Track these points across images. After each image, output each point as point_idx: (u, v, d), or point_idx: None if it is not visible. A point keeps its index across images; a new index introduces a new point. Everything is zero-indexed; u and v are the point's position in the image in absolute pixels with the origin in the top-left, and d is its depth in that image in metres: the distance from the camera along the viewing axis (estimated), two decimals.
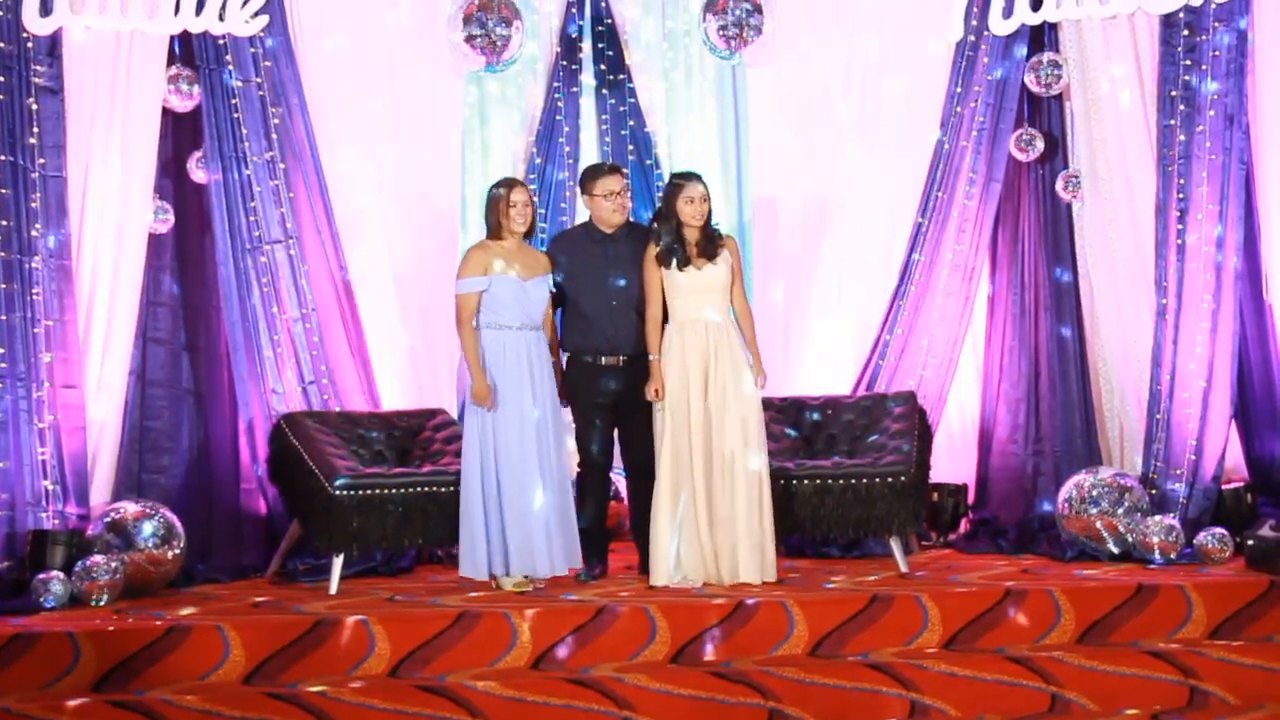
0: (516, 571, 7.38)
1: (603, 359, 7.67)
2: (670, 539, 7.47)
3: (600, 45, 8.90)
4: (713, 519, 7.44)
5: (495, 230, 7.55)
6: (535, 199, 8.55)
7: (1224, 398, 8.35)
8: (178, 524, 7.81)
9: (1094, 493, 8.16)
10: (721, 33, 8.84)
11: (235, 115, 8.31)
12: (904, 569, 7.73)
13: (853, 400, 8.42)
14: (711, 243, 7.55)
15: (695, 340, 7.52)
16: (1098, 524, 8.13)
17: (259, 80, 8.33)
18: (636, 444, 7.68)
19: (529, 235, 7.65)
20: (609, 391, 7.69)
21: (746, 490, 7.41)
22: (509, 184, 7.62)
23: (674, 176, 7.76)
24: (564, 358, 7.81)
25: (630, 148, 8.86)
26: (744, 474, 7.41)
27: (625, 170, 8.01)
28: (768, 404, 8.04)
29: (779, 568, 7.57)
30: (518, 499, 7.34)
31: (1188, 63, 8.41)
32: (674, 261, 7.52)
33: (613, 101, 8.89)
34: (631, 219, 7.89)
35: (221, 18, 8.23)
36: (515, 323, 7.44)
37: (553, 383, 7.56)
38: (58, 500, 7.80)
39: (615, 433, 7.81)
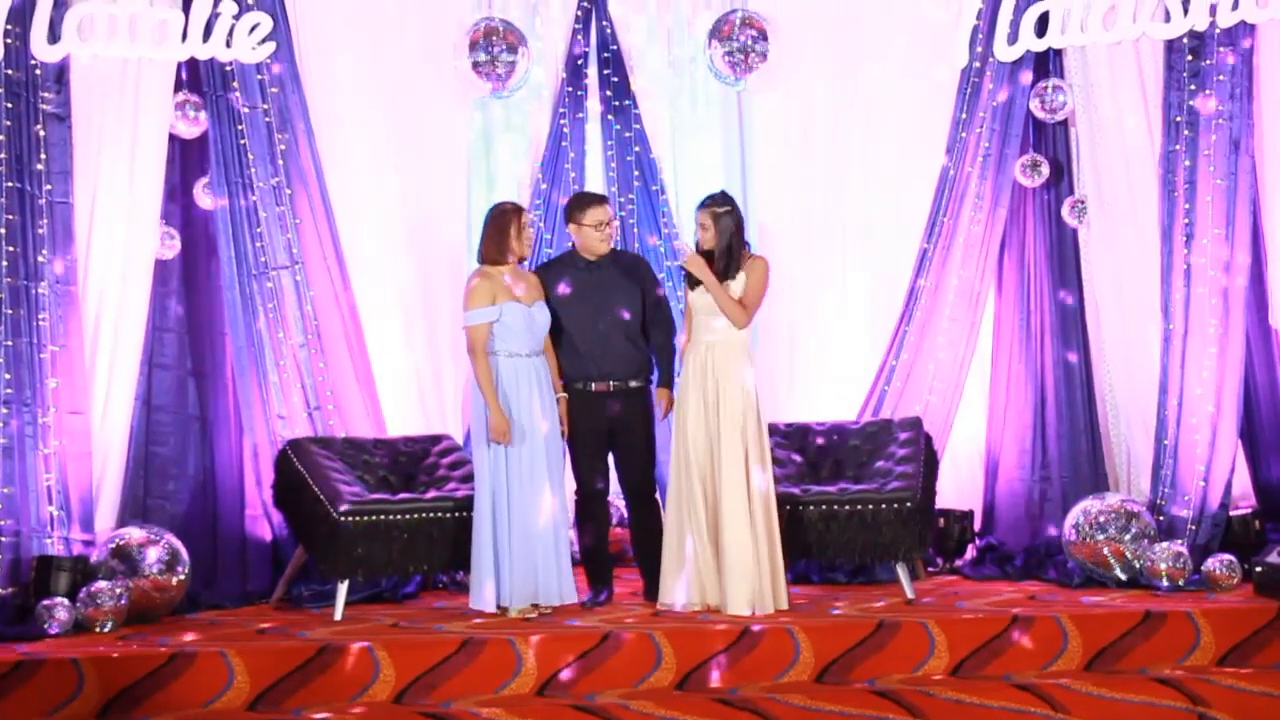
0: (525, 601, 7.37)
1: (593, 385, 7.67)
2: (675, 560, 7.47)
3: (606, 71, 8.91)
4: (719, 544, 7.42)
5: (497, 253, 7.52)
6: (543, 224, 8.71)
7: (1232, 423, 8.30)
8: (183, 550, 7.80)
9: (1101, 519, 8.14)
10: (727, 59, 8.88)
11: (242, 141, 8.31)
12: (910, 595, 7.72)
13: (859, 426, 8.38)
14: (728, 266, 7.51)
15: (696, 361, 7.52)
16: (1105, 550, 8.11)
17: (265, 106, 8.34)
18: (632, 469, 7.71)
19: (522, 260, 7.65)
20: (603, 418, 7.68)
21: (737, 517, 7.36)
22: (516, 206, 7.63)
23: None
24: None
25: (636, 173, 8.89)
26: (737, 502, 7.37)
27: (608, 197, 8.12)
28: (773, 430, 8.04)
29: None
30: (529, 530, 7.34)
31: (1192, 87, 8.39)
32: (692, 281, 7.57)
33: (618, 127, 8.92)
34: (616, 247, 7.91)
35: (228, 44, 8.24)
36: (526, 349, 7.47)
37: (555, 403, 7.56)
38: (63, 526, 7.78)
39: (610, 459, 7.80)
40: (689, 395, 7.48)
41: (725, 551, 7.35)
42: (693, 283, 7.56)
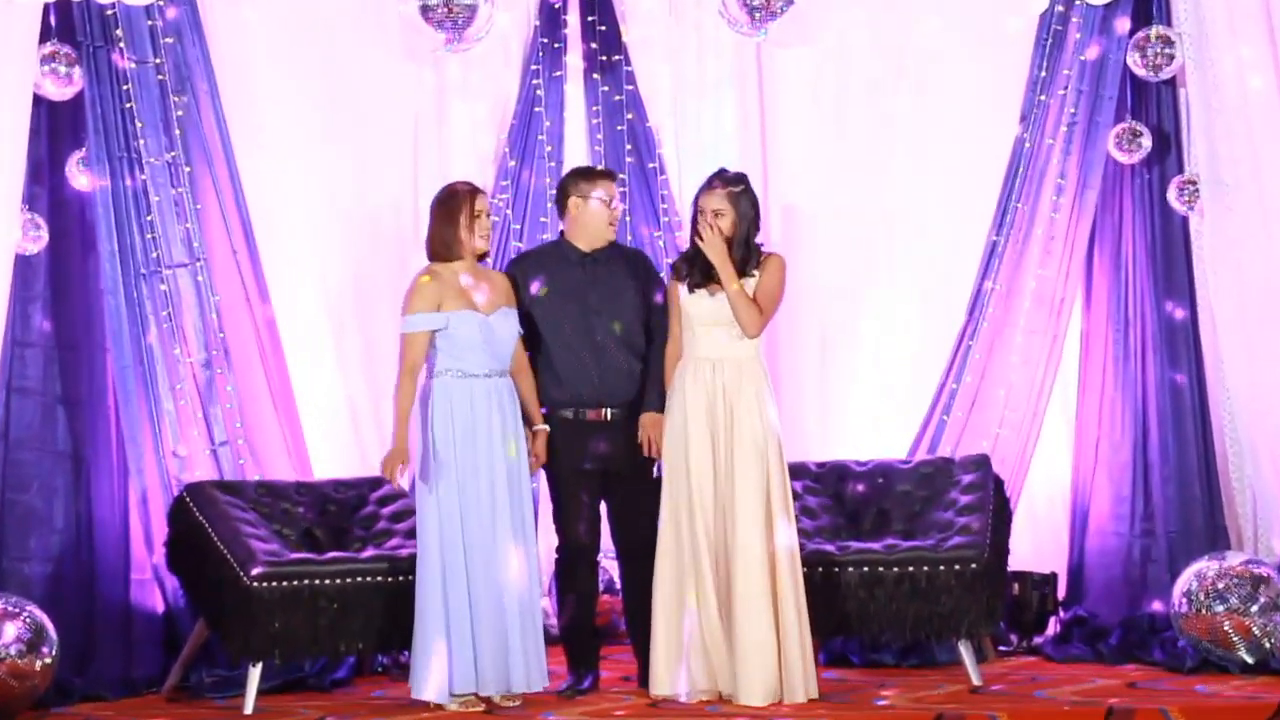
0: (490, 688, 7.26)
1: (586, 413, 7.59)
2: (673, 640, 7.38)
3: (590, 18, 8.89)
4: (729, 615, 7.34)
5: (444, 248, 7.43)
6: (510, 210, 8.73)
7: None
8: (49, 625, 7.62)
9: (1220, 585, 8.06)
10: (743, 3, 8.63)
11: (127, 105, 8.28)
12: (976, 681, 7.67)
13: (910, 466, 8.35)
14: (746, 261, 7.46)
15: (699, 384, 7.41)
16: (1225, 625, 8.02)
17: (158, 61, 8.31)
18: (631, 521, 7.61)
19: (483, 256, 7.56)
20: (596, 455, 7.59)
21: (753, 583, 7.28)
22: (470, 188, 7.52)
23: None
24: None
25: (628, 147, 8.88)
26: (753, 562, 7.28)
27: (620, 177, 8.21)
28: (801, 470, 8.10)
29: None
30: (491, 594, 7.28)
31: None
32: (686, 279, 7.53)
33: (606, 89, 8.88)
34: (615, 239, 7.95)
35: None
36: (483, 369, 7.37)
37: (522, 434, 7.47)
38: None
39: (604, 508, 7.71)
40: (690, 427, 7.40)
41: (739, 626, 7.29)
42: (692, 283, 7.48)
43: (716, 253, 7.41)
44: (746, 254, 7.45)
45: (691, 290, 7.46)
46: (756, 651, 7.24)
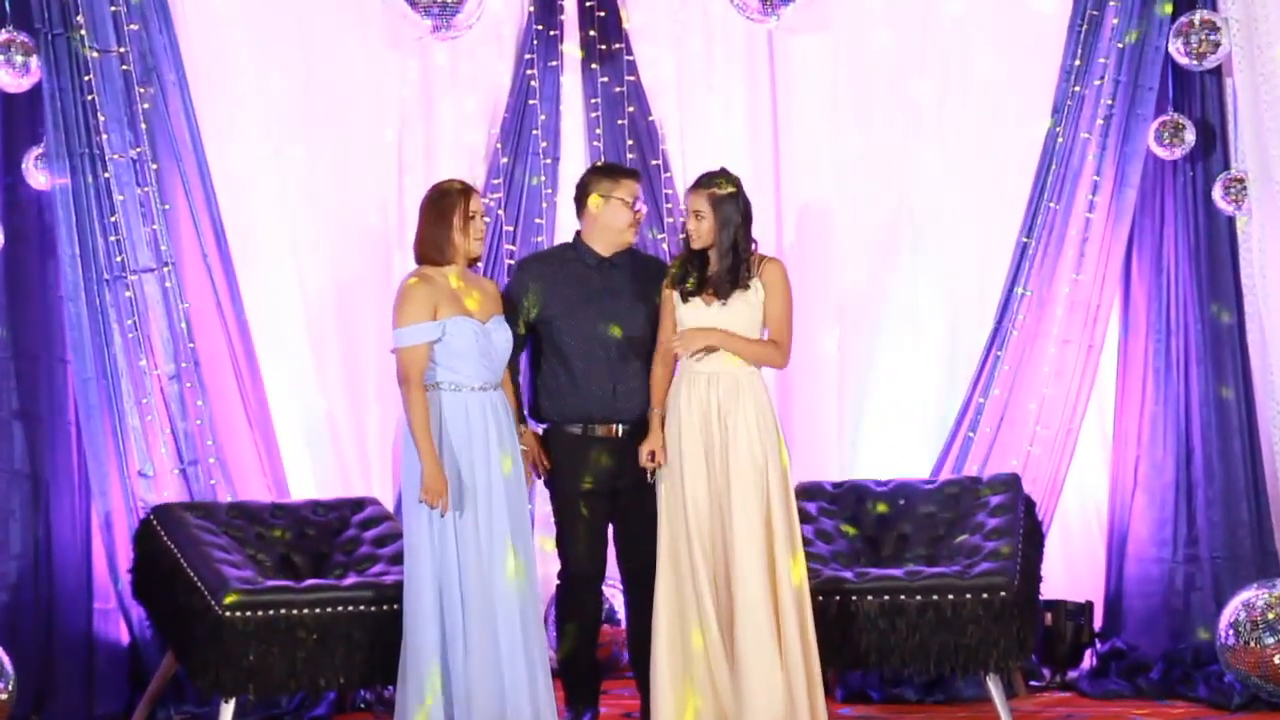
0: None
1: (595, 429, 7.60)
2: (676, 674, 7.39)
3: (589, 4, 8.95)
4: (732, 649, 7.33)
5: (436, 251, 7.38)
6: (502, 211, 8.80)
7: None
8: (4, 658, 7.63)
9: (1270, 615, 8.11)
10: None
11: (89, 97, 8.29)
12: (1006, 719, 7.67)
13: (934, 486, 8.39)
14: (736, 270, 7.42)
15: (694, 401, 7.42)
16: (1276, 658, 8.07)
17: (122, 49, 8.32)
18: (639, 546, 7.57)
19: (474, 261, 7.54)
20: (602, 475, 7.60)
21: (754, 614, 7.27)
22: (464, 186, 7.50)
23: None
24: (538, 428, 7.73)
25: (629, 142, 8.90)
26: (753, 591, 7.27)
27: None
28: (817, 491, 8.17)
29: (831, 716, 7.48)
30: (486, 623, 7.22)
31: None
32: (683, 287, 7.47)
33: (605, 80, 8.94)
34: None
35: None
36: (478, 380, 7.34)
37: (518, 448, 7.46)
38: None
39: (609, 531, 7.72)
40: (685, 446, 7.40)
41: (740, 659, 7.28)
42: (685, 292, 7.46)
43: (719, 339, 7.36)
44: (734, 262, 7.40)
45: (685, 299, 7.44)
46: (760, 684, 7.23)
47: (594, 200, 7.62)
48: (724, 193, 7.40)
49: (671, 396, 7.46)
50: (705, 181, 7.45)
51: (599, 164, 7.99)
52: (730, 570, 7.30)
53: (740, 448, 7.34)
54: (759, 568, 7.28)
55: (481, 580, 7.21)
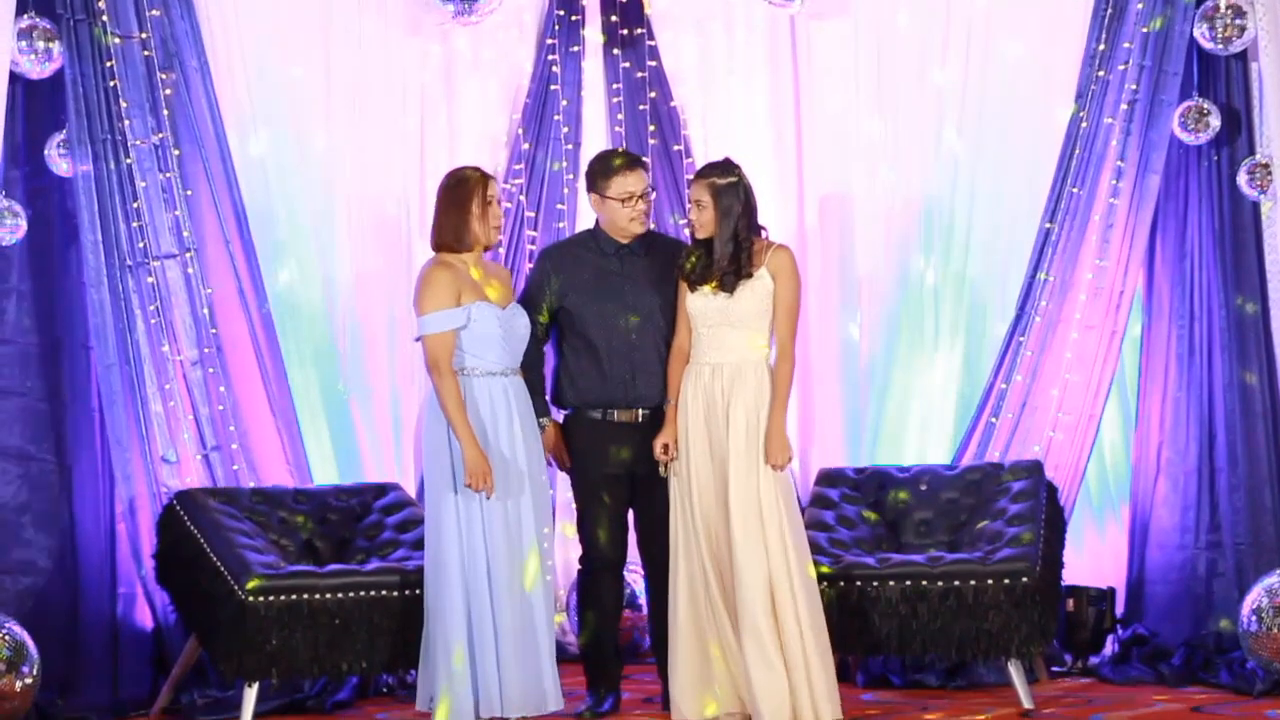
0: (518, 709, 7.21)
1: (615, 414, 7.64)
2: (693, 661, 7.42)
3: None
4: (739, 635, 7.40)
5: (454, 238, 7.39)
6: (524, 197, 8.79)
7: None
8: (30, 643, 7.64)
9: None
10: None
11: (111, 83, 8.30)
12: (1027, 704, 7.70)
13: (955, 472, 8.41)
14: (737, 259, 7.41)
15: (698, 391, 7.46)
16: None
17: (144, 35, 8.33)
18: (659, 532, 7.59)
19: (489, 247, 7.55)
20: (622, 460, 7.64)
21: (754, 602, 7.30)
22: (480, 174, 7.50)
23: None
24: (559, 415, 7.76)
25: (651, 127, 8.92)
26: (751, 579, 7.30)
27: (647, 162, 8.01)
28: (839, 477, 8.28)
29: (844, 704, 7.43)
30: (517, 607, 7.24)
31: None
32: (690, 276, 7.48)
33: (627, 65, 8.97)
34: (653, 226, 7.88)
35: None
36: (501, 365, 7.38)
37: (538, 434, 7.49)
38: None
39: (630, 517, 7.76)
40: (691, 436, 7.46)
41: (745, 646, 7.32)
42: (693, 282, 7.47)
43: (777, 429, 7.35)
44: (736, 251, 7.38)
45: (693, 288, 7.45)
46: (765, 671, 7.27)
47: (593, 199, 7.71)
48: (724, 182, 7.41)
49: (681, 389, 7.52)
50: (706, 171, 7.50)
51: (595, 157, 7.87)
52: (732, 559, 7.33)
53: (738, 433, 7.37)
54: (757, 556, 7.31)
55: (512, 563, 7.24)
